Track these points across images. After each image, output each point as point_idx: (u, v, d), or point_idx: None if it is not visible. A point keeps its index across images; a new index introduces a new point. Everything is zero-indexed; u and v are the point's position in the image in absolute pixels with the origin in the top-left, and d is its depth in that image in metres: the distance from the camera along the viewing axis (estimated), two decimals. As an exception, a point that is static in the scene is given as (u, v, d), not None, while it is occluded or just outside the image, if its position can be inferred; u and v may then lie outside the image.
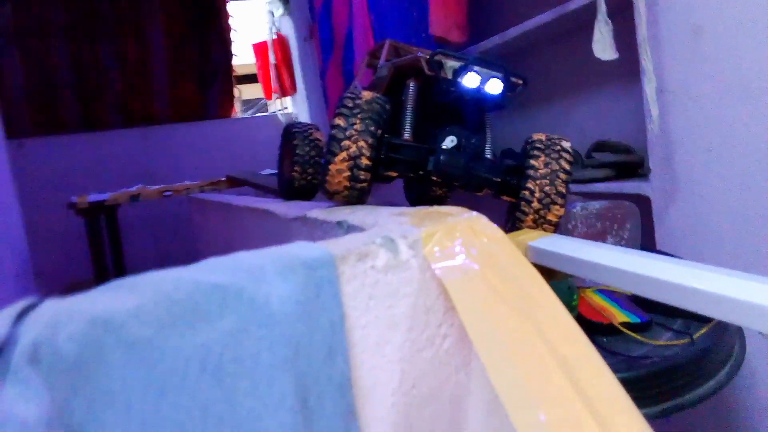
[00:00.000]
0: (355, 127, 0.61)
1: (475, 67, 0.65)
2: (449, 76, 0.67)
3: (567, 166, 0.64)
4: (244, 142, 3.05)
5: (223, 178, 2.23)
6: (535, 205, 0.63)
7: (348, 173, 0.62)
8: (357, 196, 0.65)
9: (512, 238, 0.63)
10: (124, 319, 0.27)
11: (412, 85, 0.71)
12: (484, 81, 0.66)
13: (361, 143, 0.61)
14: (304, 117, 3.09)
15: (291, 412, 0.29)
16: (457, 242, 0.37)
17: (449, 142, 0.67)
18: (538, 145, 0.65)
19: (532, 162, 0.64)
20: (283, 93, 3.19)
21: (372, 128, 0.62)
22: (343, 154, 0.61)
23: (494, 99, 0.68)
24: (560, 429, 0.24)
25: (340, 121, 0.62)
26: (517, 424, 0.25)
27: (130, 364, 0.27)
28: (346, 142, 0.61)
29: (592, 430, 0.24)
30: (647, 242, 1.13)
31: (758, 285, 0.41)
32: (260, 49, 3.23)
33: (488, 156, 0.72)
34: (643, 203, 1.13)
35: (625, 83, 1.29)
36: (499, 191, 0.69)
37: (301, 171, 0.86)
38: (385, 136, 0.66)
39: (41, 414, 0.23)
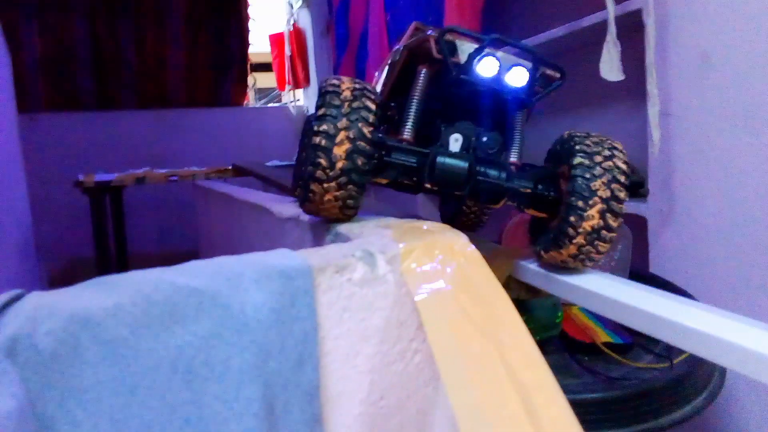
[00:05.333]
0: (349, 133, 0.49)
1: (494, 51, 0.54)
2: (463, 61, 0.55)
3: (623, 179, 0.51)
4: (253, 131, 3.07)
5: (230, 167, 2.24)
6: (587, 229, 0.50)
7: (342, 193, 0.51)
8: (346, 219, 0.56)
9: (500, 253, 0.65)
10: (102, 318, 0.29)
11: (423, 72, 0.59)
12: (504, 69, 0.54)
13: (357, 156, 0.50)
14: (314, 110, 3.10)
15: (257, 418, 0.30)
16: (435, 260, 0.39)
17: (453, 141, 0.56)
18: (586, 148, 0.51)
19: (585, 173, 0.50)
20: (296, 85, 3.20)
21: (366, 131, 0.50)
22: (336, 171, 0.49)
23: (516, 93, 0.55)
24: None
25: (327, 127, 0.49)
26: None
27: (105, 361, 0.28)
28: (337, 151, 0.49)
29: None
30: (641, 263, 1.13)
31: (733, 323, 0.42)
32: (277, 40, 3.24)
33: (513, 159, 0.59)
34: (639, 224, 1.13)
35: (634, 102, 1.30)
36: (528, 203, 0.57)
37: None
38: (379, 135, 0.54)
39: (14, 407, 0.25)
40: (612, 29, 1.01)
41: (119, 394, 0.28)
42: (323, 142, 0.49)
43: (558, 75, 0.57)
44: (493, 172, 0.55)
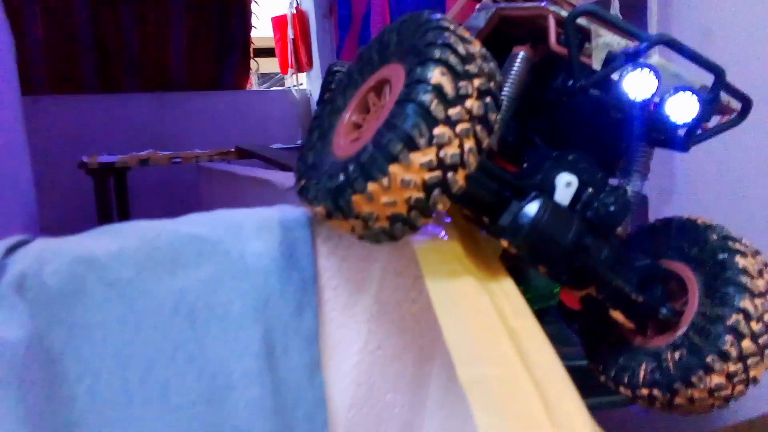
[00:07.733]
0: (467, 105, 0.32)
1: (655, 63, 0.37)
2: (596, 63, 0.38)
3: None
4: (256, 115, 3.07)
5: (233, 149, 2.25)
6: (736, 360, 0.38)
7: (417, 195, 0.33)
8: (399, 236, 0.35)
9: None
10: (107, 260, 0.29)
11: (519, 57, 0.41)
12: (664, 92, 0.38)
13: (470, 142, 0.33)
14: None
15: (257, 359, 0.31)
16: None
17: (563, 185, 0.37)
18: (745, 263, 0.37)
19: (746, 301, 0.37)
20: (299, 68, 3.19)
21: (492, 112, 0.34)
22: (429, 154, 0.32)
23: (676, 129, 0.39)
24: (500, 385, 0.26)
25: (443, 81, 0.32)
26: (462, 377, 0.27)
27: (109, 300, 0.29)
28: (447, 132, 0.32)
29: (528, 389, 0.26)
30: (641, 239, 1.14)
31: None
32: (279, 22, 3.23)
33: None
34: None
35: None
36: (621, 306, 0.40)
37: None
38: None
39: (23, 337, 0.26)
40: (615, 5, 1.01)
41: (124, 331, 0.29)
42: None
43: (738, 106, 0.38)
44: (602, 250, 0.37)
